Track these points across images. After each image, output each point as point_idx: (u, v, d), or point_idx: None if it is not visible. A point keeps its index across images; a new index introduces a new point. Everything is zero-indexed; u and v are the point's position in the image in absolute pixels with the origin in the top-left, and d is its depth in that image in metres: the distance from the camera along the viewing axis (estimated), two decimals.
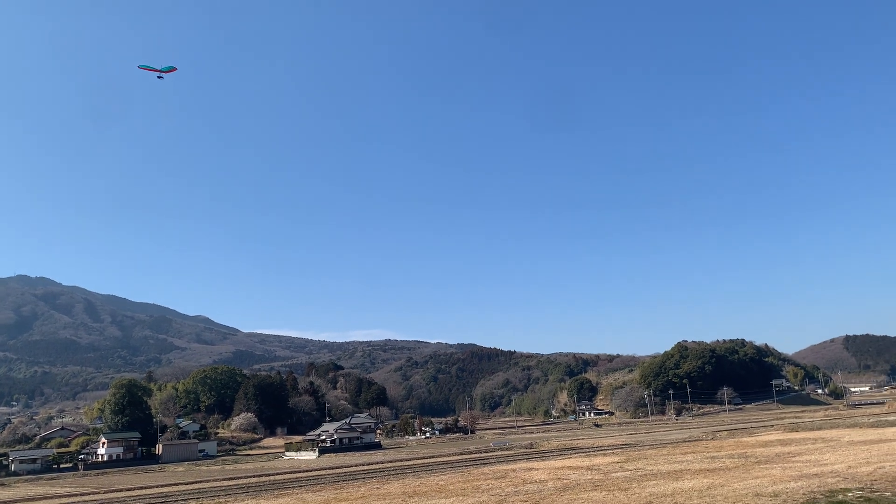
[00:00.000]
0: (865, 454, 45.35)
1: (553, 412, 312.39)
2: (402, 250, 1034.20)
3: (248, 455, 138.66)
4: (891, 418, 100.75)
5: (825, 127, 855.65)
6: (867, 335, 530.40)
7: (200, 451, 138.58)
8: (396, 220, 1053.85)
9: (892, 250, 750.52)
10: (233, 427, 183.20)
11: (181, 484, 71.39)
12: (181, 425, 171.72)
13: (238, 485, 64.73)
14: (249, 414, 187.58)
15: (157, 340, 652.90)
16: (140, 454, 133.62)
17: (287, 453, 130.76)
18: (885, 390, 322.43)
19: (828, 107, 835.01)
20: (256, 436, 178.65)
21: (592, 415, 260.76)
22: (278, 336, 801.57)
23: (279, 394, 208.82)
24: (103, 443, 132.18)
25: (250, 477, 76.61)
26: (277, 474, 78.53)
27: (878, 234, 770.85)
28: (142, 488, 68.68)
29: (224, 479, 74.77)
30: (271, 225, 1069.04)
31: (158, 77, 73.61)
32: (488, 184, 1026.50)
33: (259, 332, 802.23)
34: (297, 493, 47.76)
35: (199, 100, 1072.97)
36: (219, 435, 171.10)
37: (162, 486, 70.69)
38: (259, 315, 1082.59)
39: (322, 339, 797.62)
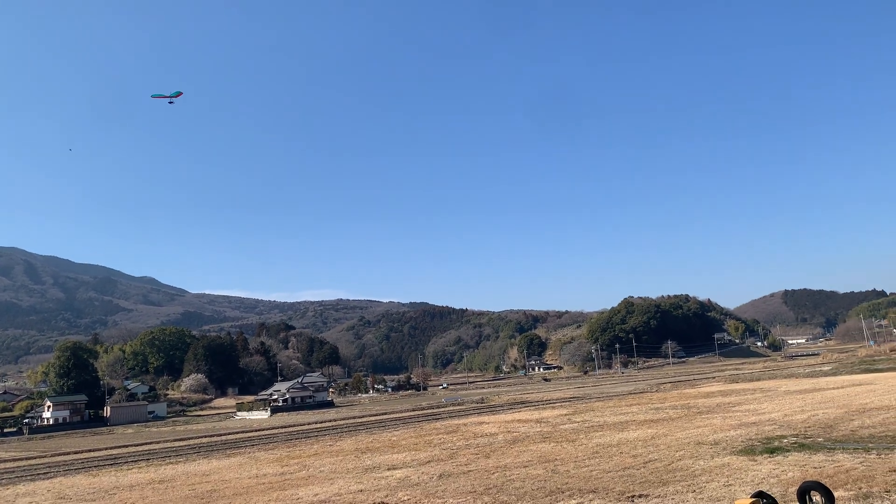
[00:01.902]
0: (800, 403, 47.37)
1: (504, 368, 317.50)
2: (352, 208, 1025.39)
3: (199, 416, 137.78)
4: (825, 369, 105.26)
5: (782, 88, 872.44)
6: (805, 290, 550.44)
7: (150, 412, 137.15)
8: (344, 176, 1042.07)
9: (830, 207, 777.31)
10: (183, 388, 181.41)
11: (130, 446, 70.70)
12: (129, 387, 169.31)
13: (189, 445, 64.44)
14: (200, 375, 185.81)
15: (103, 302, 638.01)
16: (87, 417, 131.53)
17: (239, 413, 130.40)
18: (821, 342, 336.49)
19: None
20: (207, 396, 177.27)
21: (542, 370, 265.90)
22: (227, 297, 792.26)
23: (230, 354, 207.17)
24: (49, 406, 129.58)
25: (201, 437, 76.28)
26: (229, 434, 78.35)
27: (816, 191, 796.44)
28: (90, 451, 67.78)
29: (175, 440, 74.31)
30: (218, 183, 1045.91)
31: (169, 103, 75.60)
32: (434, 132, 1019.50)
33: (208, 292, 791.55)
34: (250, 452, 47.79)
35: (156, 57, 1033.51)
36: (169, 396, 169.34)
37: (110, 448, 69.88)
38: (207, 276, 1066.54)
39: (272, 300, 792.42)
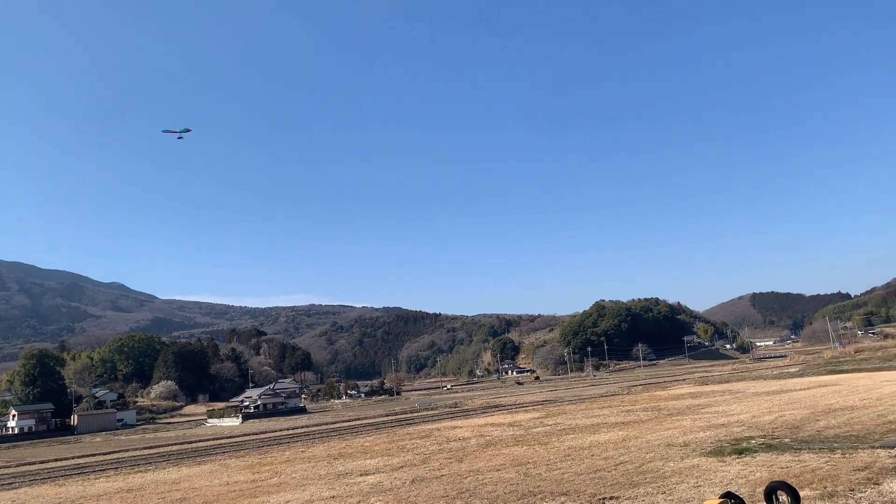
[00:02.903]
0: (768, 404, 48.11)
1: (477, 372, 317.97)
2: (324, 213, 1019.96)
3: (169, 423, 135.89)
4: (792, 370, 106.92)
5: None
6: (772, 293, 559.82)
7: (119, 420, 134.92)
8: (316, 180, 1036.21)
9: (797, 212, 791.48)
10: (152, 395, 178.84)
11: (98, 454, 69.48)
12: (97, 395, 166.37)
13: (159, 453, 63.51)
14: (170, 382, 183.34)
15: (70, 308, 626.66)
16: (54, 426, 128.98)
17: (209, 420, 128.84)
18: (788, 344, 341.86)
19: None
20: (177, 403, 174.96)
21: (515, 373, 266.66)
22: (198, 302, 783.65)
23: (200, 361, 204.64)
24: (14, 415, 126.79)
25: (171, 445, 75.22)
26: (199, 441, 77.36)
27: (784, 196, 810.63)
28: (56, 460, 66.48)
29: (144, 448, 73.18)
30: (188, 187, 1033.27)
31: (178, 138, 78.44)
32: (407, 136, 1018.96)
33: (178, 298, 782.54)
34: (221, 460, 47.26)
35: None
36: (138, 404, 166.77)
37: (78, 457, 68.61)
38: (177, 281, 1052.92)
39: (244, 305, 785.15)
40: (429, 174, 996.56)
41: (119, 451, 71.38)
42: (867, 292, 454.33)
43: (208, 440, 78.42)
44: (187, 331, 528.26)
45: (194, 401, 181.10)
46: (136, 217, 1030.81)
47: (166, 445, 74.93)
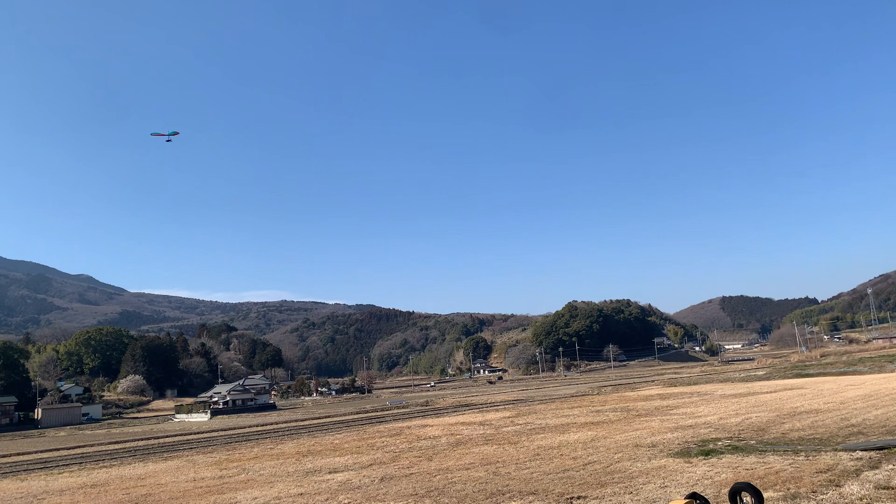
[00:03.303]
0: (735, 406, 48.73)
1: (449, 370, 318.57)
2: (297, 208, 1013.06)
3: (136, 418, 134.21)
4: (759, 373, 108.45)
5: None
6: (742, 296, 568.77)
7: (84, 414, 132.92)
8: (290, 176, 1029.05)
9: (767, 218, 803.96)
10: (119, 390, 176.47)
11: (62, 449, 68.35)
12: (63, 389, 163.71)
13: (125, 448, 62.66)
14: (137, 376, 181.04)
15: (36, 300, 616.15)
16: (17, 419, 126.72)
17: (177, 416, 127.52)
18: (756, 347, 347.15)
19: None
20: (145, 398, 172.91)
21: (487, 372, 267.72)
22: (168, 296, 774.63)
23: (169, 355, 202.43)
24: None
25: (138, 440, 74.28)
26: (167, 437, 76.49)
27: (755, 202, 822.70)
28: (19, 454, 65.28)
29: (109, 443, 72.15)
30: (158, 179, 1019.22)
31: (167, 140, 79.72)
32: (382, 133, 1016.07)
33: (147, 291, 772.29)
34: (188, 455, 46.73)
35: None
36: (104, 398, 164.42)
37: (41, 451, 67.45)
38: (147, 274, 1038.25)
39: (214, 300, 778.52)
40: (403, 172, 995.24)
41: (84, 446, 70.30)
42: (834, 298, 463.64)
43: (176, 436, 77.57)
44: (156, 325, 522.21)
45: (162, 396, 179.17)
46: (105, 208, 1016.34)
47: (132, 440, 73.99)
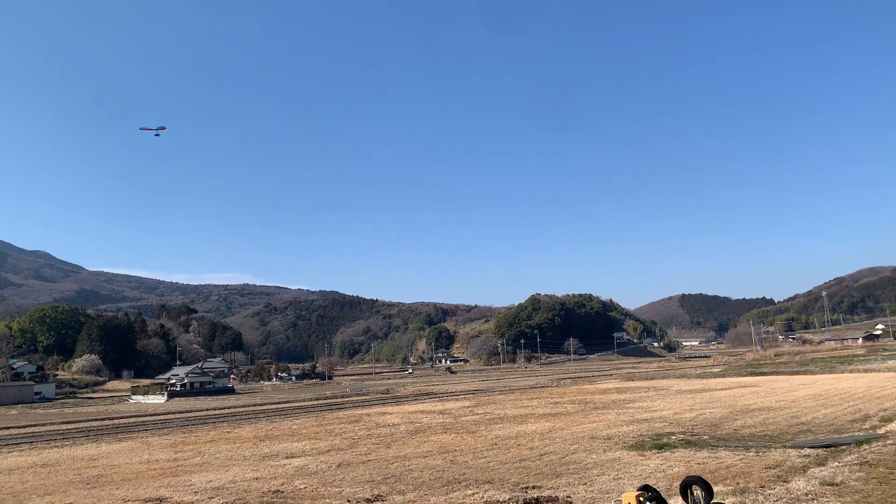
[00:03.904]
0: (690, 402, 49.64)
1: (411, 359, 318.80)
2: (261, 191, 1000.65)
3: (91, 398, 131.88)
4: (714, 370, 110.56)
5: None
6: (700, 294, 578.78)
7: (37, 393, 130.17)
8: (255, 160, 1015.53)
9: (728, 219, 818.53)
10: (74, 369, 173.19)
11: (13, 428, 66.93)
12: (15, 366, 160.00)
13: (77, 428, 61.63)
14: (93, 356, 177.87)
15: None
16: None
17: (133, 397, 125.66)
18: (713, 345, 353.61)
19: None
20: (100, 378, 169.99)
21: (448, 362, 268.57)
22: (127, 276, 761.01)
23: (126, 336, 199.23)
24: None
25: (91, 420, 73.10)
26: (121, 418, 75.42)
27: (717, 202, 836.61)
28: None
29: (62, 423, 70.87)
30: (120, 157, 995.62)
31: (155, 135, 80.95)
32: (348, 127, 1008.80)
33: (106, 270, 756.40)
34: (142, 437, 46.14)
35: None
36: (58, 377, 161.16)
37: None
38: (106, 253, 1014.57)
39: (175, 281, 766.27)
40: (371, 161, 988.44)
41: (35, 425, 68.95)
42: (790, 299, 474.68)
43: (131, 417, 76.51)
44: (114, 304, 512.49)
45: (118, 376, 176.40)
46: (63, 184, 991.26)
47: (86, 421, 72.77)
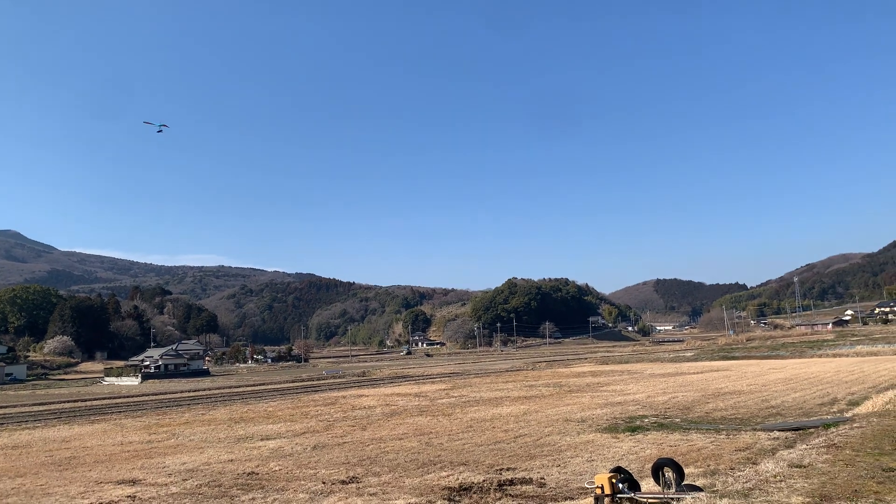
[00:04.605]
0: (663, 385, 50.30)
1: (388, 342, 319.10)
2: (237, 171, 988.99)
3: (63, 380, 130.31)
4: (687, 354, 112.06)
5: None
6: (675, 280, 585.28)
7: (7, 374, 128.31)
8: (231, 142, 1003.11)
9: (703, 206, 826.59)
10: (46, 350, 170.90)
11: None
12: None
13: (50, 410, 60.95)
14: (65, 337, 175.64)
15: None
16: None
17: (107, 379, 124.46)
18: (686, 329, 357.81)
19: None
20: (73, 360, 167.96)
21: (425, 345, 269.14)
22: (100, 256, 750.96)
23: (99, 317, 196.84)
24: None
25: (64, 402, 72.29)
26: (94, 399, 74.65)
27: (692, 189, 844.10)
28: None
29: (34, 405, 70.05)
30: (93, 132, 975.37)
31: (158, 131, 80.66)
32: (324, 110, 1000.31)
33: (78, 251, 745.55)
34: (116, 419, 45.79)
35: None
36: (30, 358, 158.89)
37: None
38: (78, 233, 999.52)
39: (149, 262, 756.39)
40: (345, 144, 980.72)
41: (6, 407, 68.05)
42: (762, 284, 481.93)
43: (104, 399, 75.78)
44: (87, 285, 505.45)
45: (91, 358, 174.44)
46: (35, 162, 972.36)
47: (58, 402, 71.98)
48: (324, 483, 18.11)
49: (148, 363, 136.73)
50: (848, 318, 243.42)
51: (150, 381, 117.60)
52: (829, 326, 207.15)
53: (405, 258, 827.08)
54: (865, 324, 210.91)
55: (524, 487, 16.13)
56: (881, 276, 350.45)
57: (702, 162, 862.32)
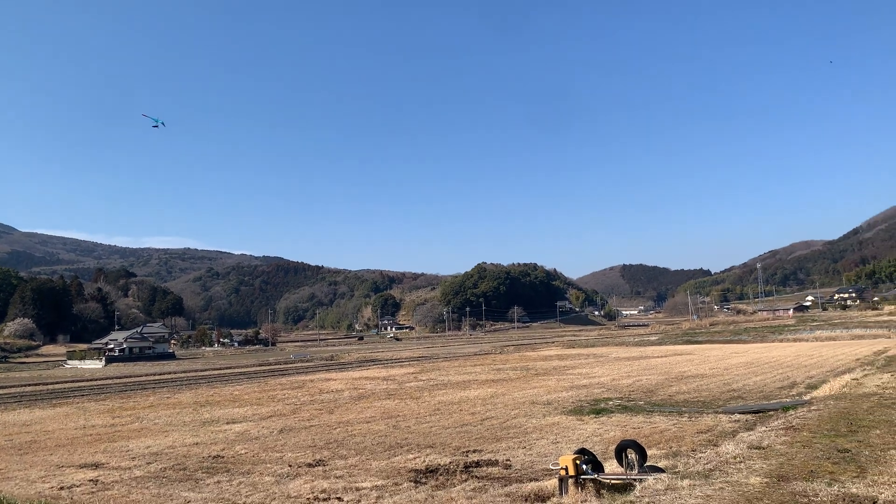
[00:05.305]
0: (627, 369, 50.99)
1: (357, 326, 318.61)
2: (203, 151, 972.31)
3: (24, 363, 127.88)
4: (652, 338, 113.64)
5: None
6: (641, 265, 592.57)
7: None
8: (195, 119, 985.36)
9: (669, 192, 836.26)
10: (6, 333, 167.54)
11: None
12: None
13: (9, 393, 59.77)
14: (26, 319, 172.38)
15: None
16: None
17: (69, 362, 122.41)
18: (651, 314, 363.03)
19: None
20: (34, 343, 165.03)
21: (394, 329, 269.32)
22: (63, 238, 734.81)
23: (62, 299, 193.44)
24: None
25: (24, 385, 70.99)
26: (56, 383, 73.45)
27: (657, 174, 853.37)
28: None
29: None
30: (57, 110, 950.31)
31: (154, 126, 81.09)
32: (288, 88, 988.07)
33: (40, 232, 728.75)
34: (79, 403, 45.12)
35: None
36: None
37: None
38: (40, 213, 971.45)
39: (113, 244, 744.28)
40: (315, 129, 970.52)
41: None
42: (726, 270, 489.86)
43: (67, 382, 74.59)
44: (49, 267, 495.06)
45: (53, 341, 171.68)
46: None
47: (19, 386, 70.64)
48: (290, 466, 18.08)
49: (112, 346, 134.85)
50: (808, 303, 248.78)
51: (115, 364, 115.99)
52: (791, 312, 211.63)
53: (375, 242, 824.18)
54: (825, 309, 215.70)
55: (490, 469, 16.27)
56: (841, 262, 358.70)
57: (668, 152, 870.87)
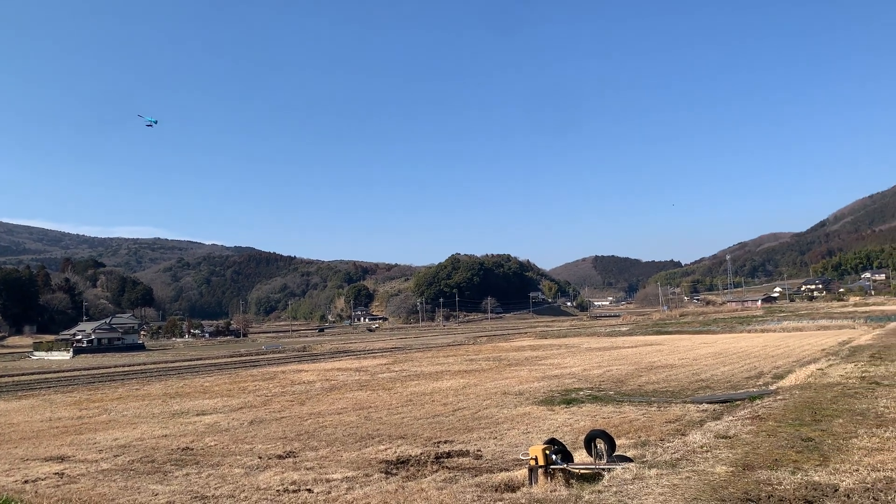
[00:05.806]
0: (598, 359, 51.44)
1: (329, 317, 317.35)
2: (174, 139, 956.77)
3: None
4: (623, 329, 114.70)
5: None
6: (613, 256, 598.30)
7: None
8: (167, 103, 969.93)
9: (640, 183, 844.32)
10: None
11: None
12: None
13: None
14: None
15: None
16: None
17: (36, 353, 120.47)
18: (623, 305, 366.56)
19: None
20: (0, 334, 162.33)
21: (367, 320, 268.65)
22: (28, 227, 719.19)
23: (28, 290, 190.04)
24: None
25: None
26: (22, 375, 72.23)
27: (628, 165, 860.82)
28: None
29: None
30: (24, 92, 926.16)
31: (147, 125, 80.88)
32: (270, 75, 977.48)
33: (4, 221, 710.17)
34: (45, 395, 44.46)
35: None
36: None
37: None
38: (4, 201, 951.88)
39: (81, 234, 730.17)
40: (291, 118, 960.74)
41: None
42: (696, 262, 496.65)
43: (33, 374, 73.41)
44: (14, 256, 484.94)
45: (20, 332, 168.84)
46: None
47: None
48: (260, 458, 17.97)
49: (80, 337, 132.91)
50: (776, 294, 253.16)
51: (83, 355, 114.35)
52: (759, 303, 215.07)
53: (349, 233, 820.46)
54: (792, 300, 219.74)
55: (461, 460, 16.31)
56: (808, 254, 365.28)
57: (641, 144, 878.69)
